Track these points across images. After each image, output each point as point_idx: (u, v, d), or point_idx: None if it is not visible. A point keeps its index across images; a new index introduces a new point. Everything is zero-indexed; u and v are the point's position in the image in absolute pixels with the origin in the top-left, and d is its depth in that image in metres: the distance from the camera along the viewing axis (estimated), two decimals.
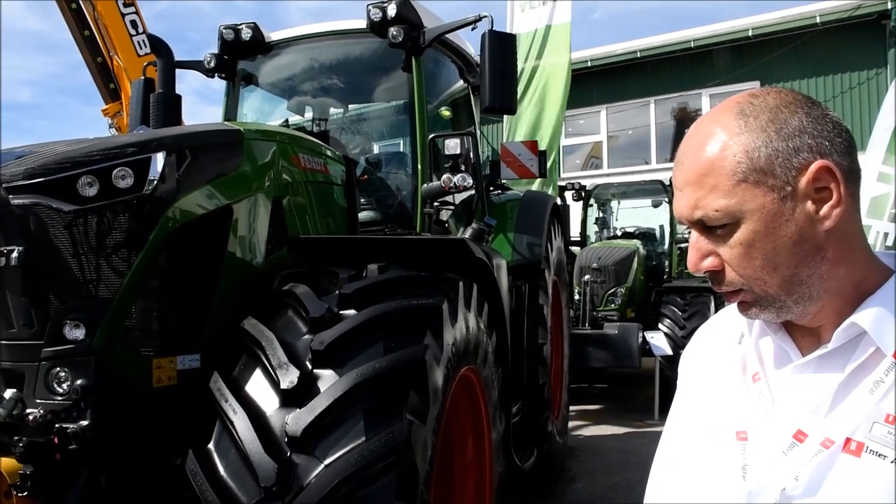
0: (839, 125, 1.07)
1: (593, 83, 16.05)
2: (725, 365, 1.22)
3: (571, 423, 8.03)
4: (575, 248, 11.35)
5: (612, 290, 10.40)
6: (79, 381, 2.74)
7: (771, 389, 1.14)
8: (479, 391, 3.51)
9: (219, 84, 5.63)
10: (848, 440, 1.02)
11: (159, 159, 2.95)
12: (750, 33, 14.42)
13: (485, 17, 4.64)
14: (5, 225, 2.78)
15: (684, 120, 16.28)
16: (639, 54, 15.67)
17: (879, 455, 0.99)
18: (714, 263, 1.10)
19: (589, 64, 16.01)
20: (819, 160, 1.03)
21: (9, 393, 2.78)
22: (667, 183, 11.80)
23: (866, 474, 1.00)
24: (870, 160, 6.26)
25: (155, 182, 2.92)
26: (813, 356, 1.10)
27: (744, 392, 1.16)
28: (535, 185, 8.67)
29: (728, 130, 1.06)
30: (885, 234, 6.38)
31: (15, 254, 2.75)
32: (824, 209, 1.04)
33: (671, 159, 15.99)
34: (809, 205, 1.03)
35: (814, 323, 1.11)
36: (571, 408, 7.81)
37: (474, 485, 3.60)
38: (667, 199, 11.86)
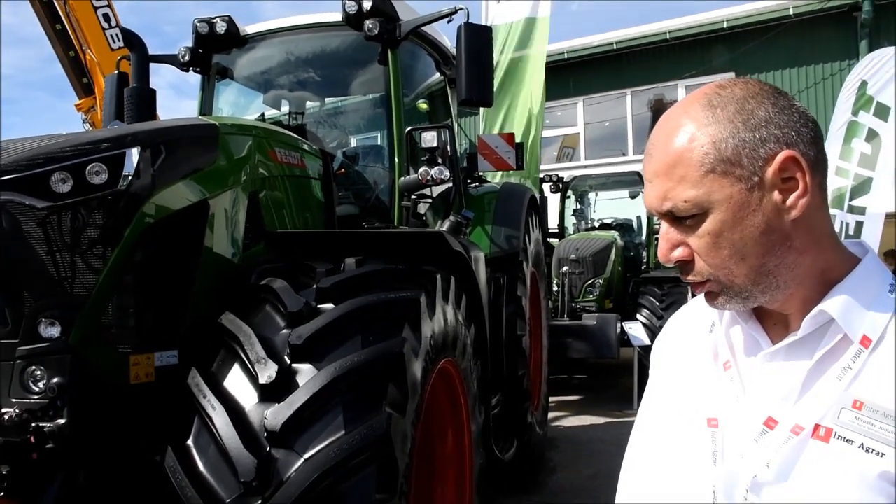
0: (806, 116, 1.08)
1: (570, 75, 16.10)
2: (697, 353, 1.23)
3: (551, 414, 8.08)
4: (553, 240, 11.40)
5: (591, 282, 10.46)
6: (55, 380, 2.72)
7: (742, 377, 1.15)
8: (459, 383, 3.53)
9: (195, 78, 5.61)
10: (817, 426, 1.03)
11: (134, 154, 2.92)
12: (724, 25, 14.56)
13: (461, 9, 4.63)
14: None
15: (660, 111, 16.12)
16: (615, 46, 15.75)
17: (847, 440, 1.01)
18: (684, 254, 1.10)
19: (566, 56, 16.05)
20: (786, 150, 1.04)
21: None
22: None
23: (835, 459, 1.01)
24: (828, 155, 6.37)
25: (129, 178, 2.90)
26: (782, 344, 1.11)
27: (715, 380, 1.18)
28: (515, 178, 8.69)
29: (696, 122, 1.07)
30: (846, 224, 6.51)
31: None
32: (791, 199, 1.05)
33: None
34: (776, 195, 1.04)
35: (782, 310, 1.13)
36: (551, 399, 7.86)
37: (454, 477, 3.61)
38: (643, 191, 11.94)
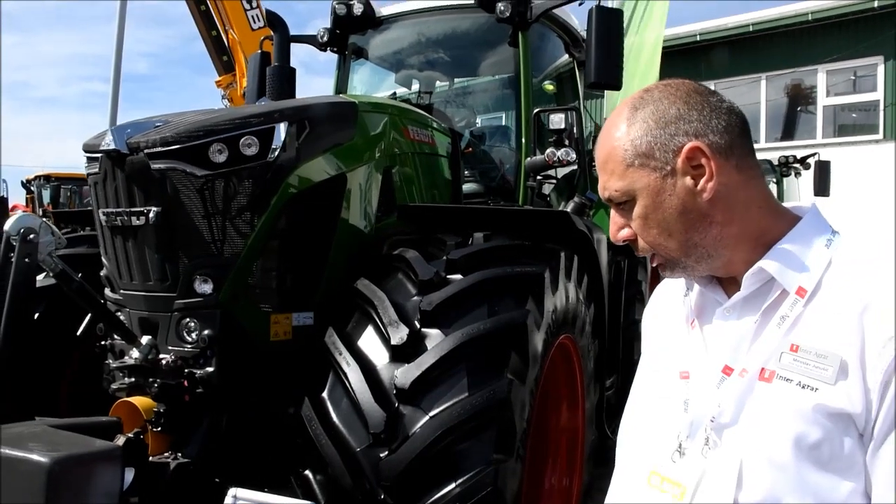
0: (720, 108, 1.25)
1: (701, 58, 15.56)
2: (673, 317, 1.41)
3: None
4: None
5: None
6: (206, 332, 2.99)
7: (704, 334, 1.32)
8: (576, 360, 3.61)
9: (323, 56, 5.83)
10: (762, 370, 1.19)
11: (282, 129, 3.15)
12: (875, 4, 13.64)
13: None
14: (145, 187, 3.04)
15: (797, 97, 15.62)
16: (751, 28, 15.09)
17: (786, 380, 1.16)
18: (628, 234, 1.31)
19: (698, 38, 15.54)
20: (692, 142, 1.22)
21: (145, 339, 3.07)
22: (775, 163, 11.43)
23: (777, 397, 1.16)
24: None
25: (277, 150, 3.12)
26: (732, 301, 1.28)
27: (685, 338, 1.35)
28: None
29: (622, 123, 1.28)
30: None
31: (153, 214, 3.00)
32: (701, 183, 1.22)
33: (782, 138, 15.45)
34: (688, 180, 1.23)
35: (728, 274, 1.30)
36: None
37: (567, 449, 3.71)
38: (774, 180, 11.50)
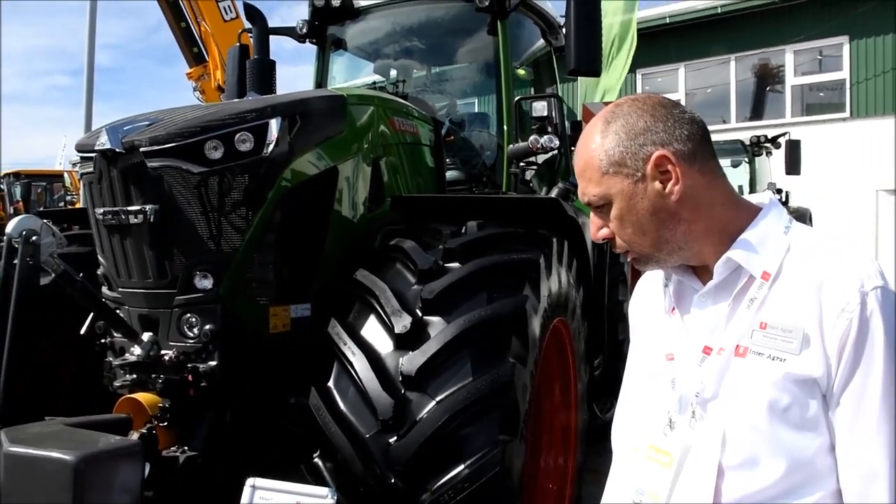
0: (683, 119, 1.40)
1: (672, 40, 15.72)
2: (656, 305, 1.55)
3: None
4: None
5: None
6: (207, 326, 3.04)
7: (684, 319, 1.47)
8: (568, 342, 3.71)
9: (290, 44, 5.81)
10: (737, 347, 1.34)
11: (275, 124, 3.18)
12: None
13: None
14: (142, 186, 3.07)
15: (766, 77, 15.84)
16: (719, 10, 15.24)
17: (758, 353, 1.32)
18: (606, 233, 1.45)
19: (667, 20, 15.68)
20: (659, 150, 1.36)
21: (146, 336, 3.10)
22: (746, 143, 11.61)
23: (751, 370, 1.32)
24: None
25: (272, 145, 3.15)
26: (706, 289, 1.43)
27: (668, 323, 1.50)
28: None
29: (596, 135, 1.42)
30: None
31: (150, 211, 3.03)
32: (668, 186, 1.37)
33: (751, 118, 15.68)
34: (657, 184, 1.37)
35: (700, 263, 1.45)
36: None
37: (561, 429, 3.81)
38: (746, 159, 11.69)
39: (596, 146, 1.41)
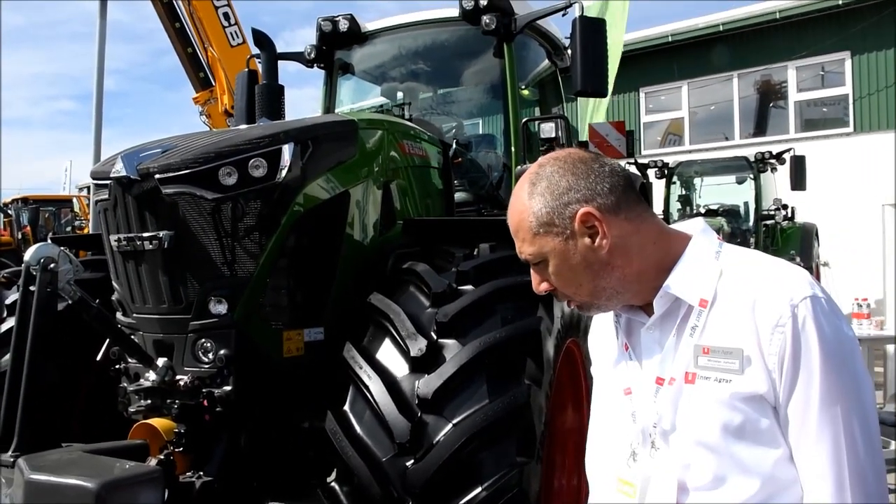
0: (603, 173, 1.45)
1: (674, 58, 15.83)
2: (610, 342, 1.61)
3: None
4: None
5: None
6: (222, 351, 3.05)
7: (636, 352, 1.53)
8: (580, 363, 3.71)
9: (293, 67, 5.86)
10: (686, 374, 1.40)
11: (288, 150, 3.21)
12: (840, 2, 13.94)
13: (574, 2, 4.74)
14: (157, 212, 3.10)
15: (768, 93, 15.90)
16: (721, 27, 15.35)
17: (705, 378, 1.38)
18: (546, 287, 1.51)
19: (669, 39, 15.80)
20: (583, 207, 1.41)
21: (161, 361, 3.12)
22: (751, 159, 11.64)
23: (702, 394, 1.37)
24: None
25: (285, 171, 3.18)
26: (650, 322, 1.48)
27: (622, 358, 1.55)
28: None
29: (524, 197, 1.47)
30: None
31: (165, 238, 3.05)
32: (597, 241, 1.42)
33: (755, 134, 15.72)
34: (586, 239, 1.43)
35: (643, 301, 1.50)
36: None
37: (574, 448, 3.80)
38: (751, 176, 11.70)
39: (524, 208, 1.46)
